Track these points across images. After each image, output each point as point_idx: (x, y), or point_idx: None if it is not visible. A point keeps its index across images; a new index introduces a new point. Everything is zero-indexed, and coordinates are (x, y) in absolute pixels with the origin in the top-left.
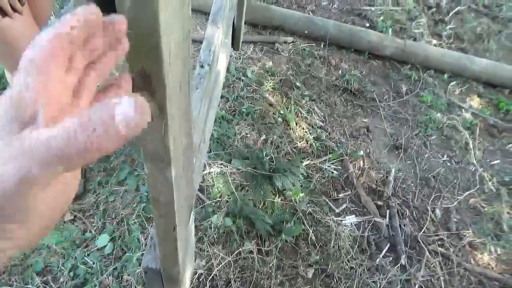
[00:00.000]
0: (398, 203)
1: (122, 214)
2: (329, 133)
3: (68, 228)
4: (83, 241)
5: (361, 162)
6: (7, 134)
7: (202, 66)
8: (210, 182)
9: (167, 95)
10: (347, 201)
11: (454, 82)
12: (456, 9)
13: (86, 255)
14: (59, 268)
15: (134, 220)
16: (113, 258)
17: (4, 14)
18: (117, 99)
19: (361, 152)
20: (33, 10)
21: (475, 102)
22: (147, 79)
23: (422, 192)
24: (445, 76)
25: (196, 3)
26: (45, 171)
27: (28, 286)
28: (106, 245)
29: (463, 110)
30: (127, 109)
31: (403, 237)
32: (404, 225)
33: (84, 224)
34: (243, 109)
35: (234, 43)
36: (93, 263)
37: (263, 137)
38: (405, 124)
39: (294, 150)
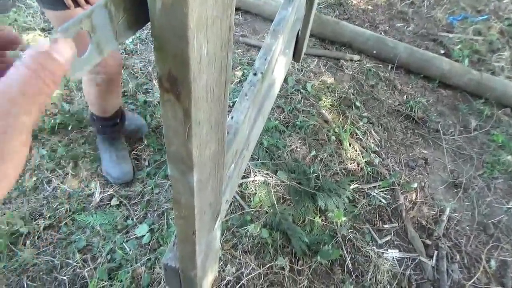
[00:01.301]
0: (448, 246)
1: (163, 207)
2: (383, 159)
3: (113, 212)
4: (124, 227)
5: (414, 195)
6: None
7: (255, 74)
8: (252, 190)
9: (193, 100)
10: (392, 234)
11: None
12: None
13: (125, 241)
14: (98, 249)
15: (173, 215)
16: (149, 248)
17: (77, 4)
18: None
19: (415, 185)
20: None
21: None
22: (174, 82)
23: (478, 238)
24: None
25: (268, 12)
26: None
27: (69, 260)
28: (145, 235)
29: None
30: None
31: (449, 283)
32: (452, 271)
33: (127, 211)
34: (297, 122)
35: (296, 55)
36: (130, 250)
37: (313, 153)
38: (469, 162)
39: (343, 171)
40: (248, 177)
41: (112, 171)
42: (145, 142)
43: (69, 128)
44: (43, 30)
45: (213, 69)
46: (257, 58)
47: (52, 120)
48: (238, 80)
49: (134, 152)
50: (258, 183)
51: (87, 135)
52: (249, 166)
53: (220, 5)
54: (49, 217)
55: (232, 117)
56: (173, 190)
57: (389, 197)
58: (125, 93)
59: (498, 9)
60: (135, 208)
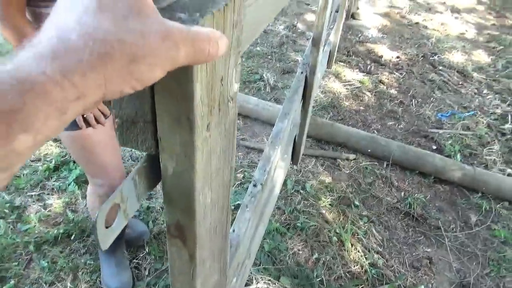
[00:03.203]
0: None
1: None
2: (386, 260)
3: None
4: None
5: None
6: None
7: (255, 185)
8: None
9: (198, 244)
10: None
11: None
12: None
13: None
14: None
15: None
16: None
17: (88, 124)
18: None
19: (422, 287)
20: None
21: None
22: (181, 229)
23: None
24: None
25: (266, 116)
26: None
27: None
28: None
29: None
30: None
31: None
32: None
33: None
34: (297, 223)
35: (294, 158)
36: None
37: (316, 255)
38: (474, 260)
39: (348, 274)
40: (249, 285)
41: (111, 282)
42: (147, 250)
43: (72, 238)
44: (55, 140)
45: (216, 211)
46: (257, 169)
47: (56, 230)
48: (239, 182)
49: (134, 260)
50: None
51: (89, 244)
52: (251, 272)
53: (222, 158)
54: None
55: (233, 230)
56: None
57: None
58: None
59: (483, 105)
60: None
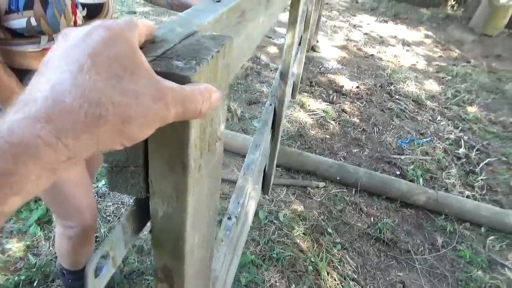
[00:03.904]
0: None
1: None
2: (362, 287)
3: None
4: None
5: None
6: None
7: (229, 218)
8: None
9: (186, 285)
10: None
11: (493, 237)
12: (486, 160)
13: None
14: None
15: None
16: None
17: None
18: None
19: None
20: (86, 159)
21: None
22: (168, 272)
23: None
24: (482, 229)
25: (235, 147)
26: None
27: None
28: None
29: (506, 268)
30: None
31: None
32: None
33: None
34: (273, 254)
35: (264, 188)
36: None
37: (293, 286)
38: (444, 282)
39: None
40: None
41: None
42: None
43: (35, 284)
44: None
45: (201, 250)
46: (231, 202)
47: (16, 277)
48: None
49: None
50: None
51: None
52: None
53: (209, 198)
54: None
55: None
56: None
57: None
58: (97, 239)
59: (438, 131)
60: None
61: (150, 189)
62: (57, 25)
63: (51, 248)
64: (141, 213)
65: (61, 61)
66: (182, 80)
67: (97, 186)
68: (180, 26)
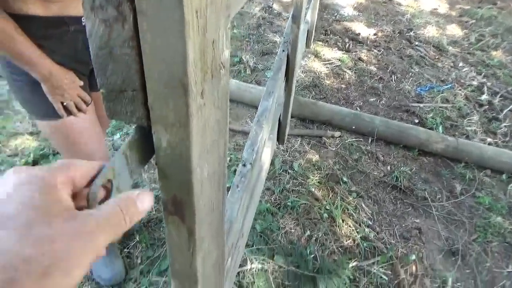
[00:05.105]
0: None
1: None
2: (377, 233)
3: None
4: None
5: (414, 268)
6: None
7: (244, 165)
8: (250, 279)
9: (197, 220)
10: None
11: None
12: (510, 107)
13: None
14: None
15: None
16: None
17: (70, 112)
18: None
19: (413, 257)
20: (98, 109)
21: None
22: (178, 205)
23: None
24: (504, 176)
25: (248, 99)
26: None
27: None
28: None
29: None
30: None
31: None
32: None
33: None
34: (288, 203)
35: (279, 138)
36: None
37: (308, 233)
38: (461, 228)
39: (340, 249)
40: (244, 266)
41: (103, 273)
42: (137, 238)
43: None
44: (31, 134)
45: (212, 185)
46: (245, 149)
47: None
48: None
49: (125, 250)
50: (255, 271)
51: None
52: (245, 254)
53: (217, 130)
54: None
55: (226, 210)
56: None
57: (390, 272)
58: None
59: (460, 78)
60: None
61: (151, 116)
62: None
63: None
64: (146, 143)
65: None
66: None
67: (113, 139)
68: None
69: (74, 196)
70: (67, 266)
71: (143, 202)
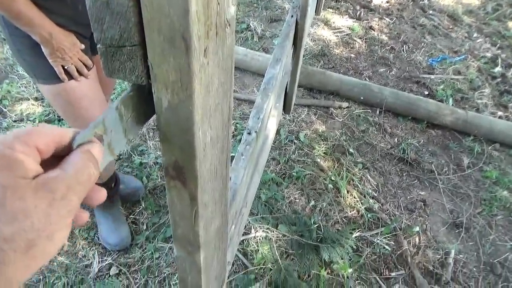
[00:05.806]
0: None
1: (165, 272)
2: (382, 204)
3: (112, 282)
4: None
5: (417, 239)
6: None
7: (249, 133)
8: (254, 247)
9: (199, 185)
10: (400, 282)
11: None
12: None
13: None
14: None
15: (175, 281)
16: None
17: (71, 77)
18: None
19: (417, 228)
20: (100, 74)
21: None
22: (179, 170)
23: (487, 279)
24: None
25: (255, 67)
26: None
27: None
28: None
29: None
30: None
31: None
32: None
33: (127, 280)
34: (293, 173)
35: (286, 107)
36: None
37: (312, 203)
38: (467, 201)
39: (344, 219)
40: (248, 234)
41: (109, 238)
42: (143, 205)
43: None
44: (36, 99)
45: (216, 151)
46: (250, 117)
47: None
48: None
49: (131, 216)
50: (259, 239)
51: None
52: (249, 222)
53: (220, 93)
54: None
55: (230, 178)
56: (179, 269)
57: (393, 243)
58: (120, 156)
59: (473, 49)
60: (135, 276)
61: (151, 74)
62: None
63: None
64: (144, 102)
65: None
66: None
67: None
68: None
69: (48, 163)
70: (49, 233)
71: (95, 151)
